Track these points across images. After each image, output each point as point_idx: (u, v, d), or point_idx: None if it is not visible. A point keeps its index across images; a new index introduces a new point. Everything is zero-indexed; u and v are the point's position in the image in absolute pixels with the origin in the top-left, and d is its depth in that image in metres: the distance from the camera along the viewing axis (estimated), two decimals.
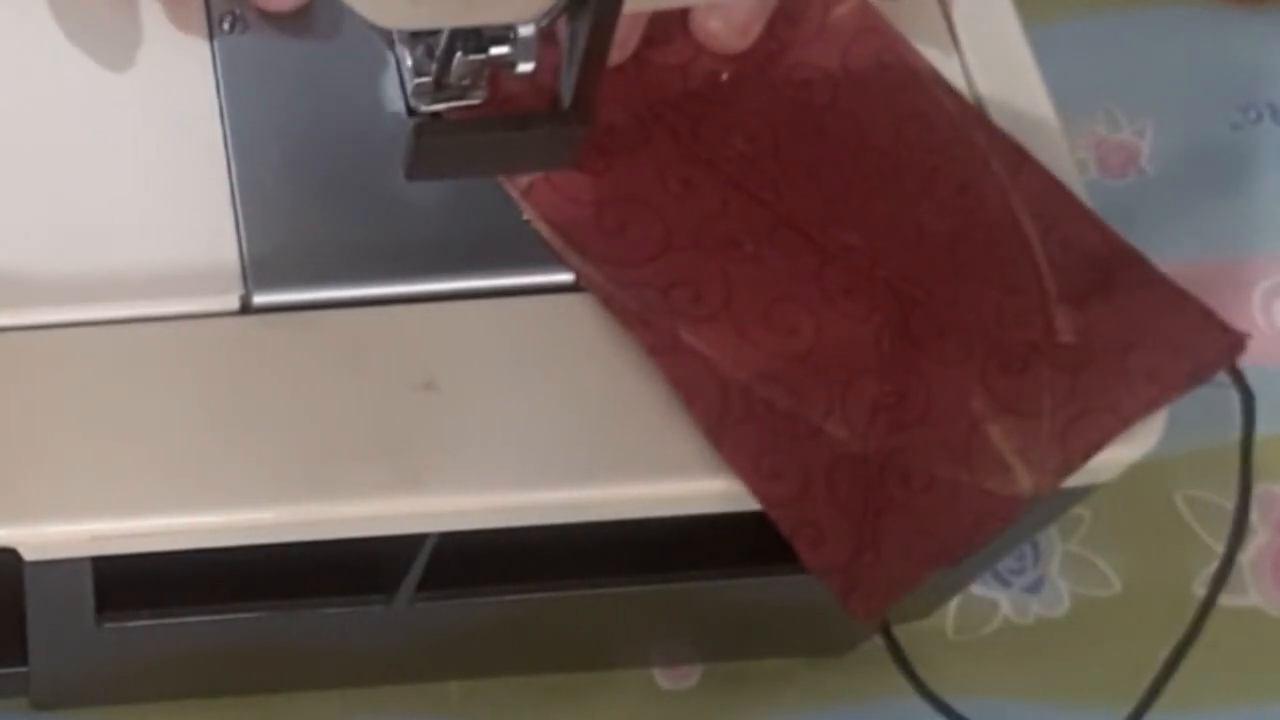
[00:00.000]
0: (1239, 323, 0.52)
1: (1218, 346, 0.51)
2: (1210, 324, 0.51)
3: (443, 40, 0.50)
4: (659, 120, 0.54)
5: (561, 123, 0.47)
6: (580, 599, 0.58)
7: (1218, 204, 0.73)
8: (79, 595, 0.54)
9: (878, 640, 0.60)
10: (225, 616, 0.57)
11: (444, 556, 0.53)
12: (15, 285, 0.51)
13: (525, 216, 0.52)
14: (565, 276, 0.52)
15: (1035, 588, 0.67)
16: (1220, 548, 0.67)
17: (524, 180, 0.52)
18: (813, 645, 0.65)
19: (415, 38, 0.51)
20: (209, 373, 0.50)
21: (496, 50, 0.49)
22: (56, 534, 0.48)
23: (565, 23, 0.46)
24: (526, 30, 0.49)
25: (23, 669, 0.60)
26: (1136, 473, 0.52)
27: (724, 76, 0.55)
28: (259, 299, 0.51)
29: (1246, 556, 0.64)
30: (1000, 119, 0.55)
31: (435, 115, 0.52)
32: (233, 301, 0.51)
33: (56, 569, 0.50)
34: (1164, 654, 0.54)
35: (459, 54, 0.50)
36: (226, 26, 0.55)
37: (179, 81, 0.54)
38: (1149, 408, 0.50)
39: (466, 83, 0.51)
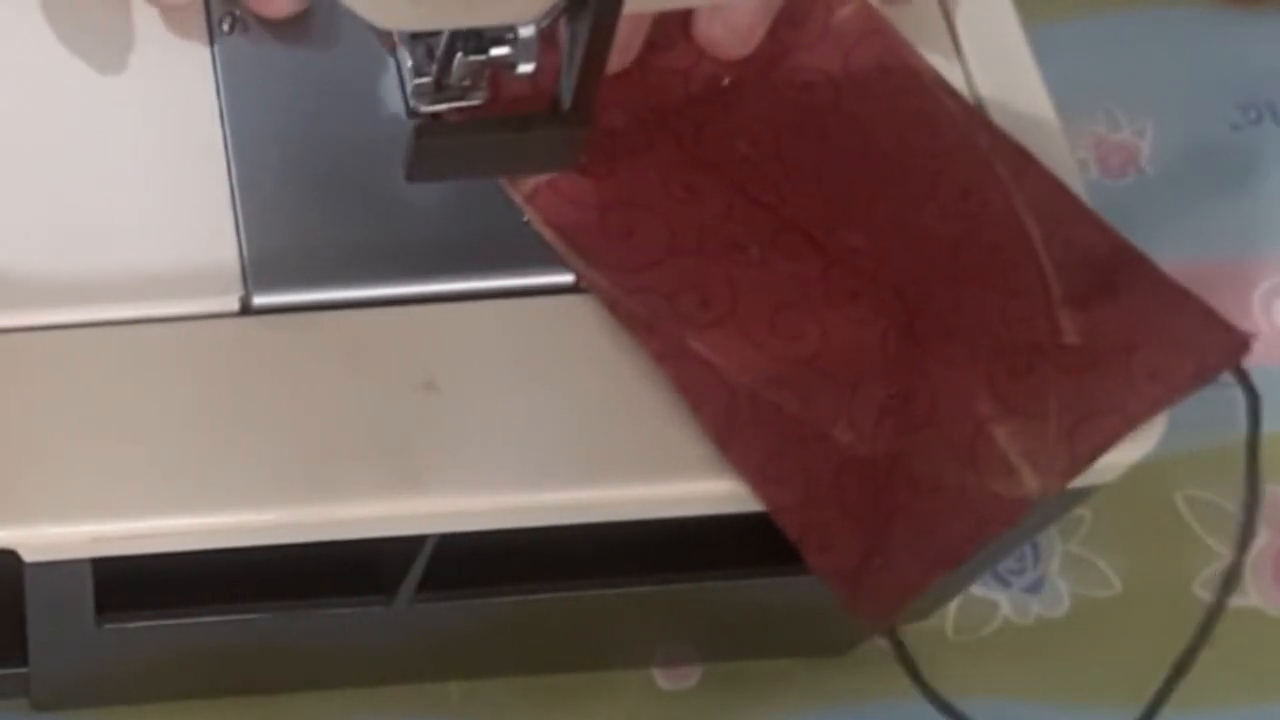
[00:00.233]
0: (1239, 323, 0.51)
1: (1223, 347, 0.51)
2: (1215, 324, 0.51)
3: (443, 41, 0.50)
4: (662, 125, 0.54)
5: (562, 124, 0.47)
6: (580, 599, 0.58)
7: (1218, 204, 0.73)
8: (79, 596, 0.54)
9: (878, 640, 0.60)
10: (225, 617, 0.57)
11: (444, 557, 0.53)
12: (15, 285, 0.51)
13: (525, 218, 0.52)
14: (566, 278, 0.52)
15: (1035, 588, 0.67)
16: (1220, 548, 0.67)
17: (527, 186, 0.52)
18: (813, 645, 0.65)
19: (415, 38, 0.51)
20: (209, 374, 0.50)
21: (497, 51, 0.49)
22: (56, 535, 0.48)
23: (565, 24, 0.46)
24: (527, 31, 0.49)
25: (23, 669, 0.60)
26: (1137, 473, 0.52)
27: (726, 81, 0.55)
28: (259, 300, 0.51)
29: (1247, 557, 0.64)
30: (1000, 119, 0.55)
31: (435, 116, 0.52)
32: (233, 302, 0.51)
33: (56, 570, 0.50)
34: (1165, 655, 0.54)
35: (459, 55, 0.50)
36: (226, 27, 0.55)
37: (178, 82, 0.54)
38: (1154, 409, 0.50)
39: (467, 84, 0.51)
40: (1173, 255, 0.53)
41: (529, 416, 0.50)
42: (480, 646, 0.62)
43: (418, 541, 0.52)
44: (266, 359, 0.50)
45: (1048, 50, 0.57)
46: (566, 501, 0.50)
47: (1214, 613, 0.53)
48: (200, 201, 0.52)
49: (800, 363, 0.50)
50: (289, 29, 0.55)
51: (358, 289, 0.52)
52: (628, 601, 0.58)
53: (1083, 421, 0.49)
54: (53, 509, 0.48)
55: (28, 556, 0.49)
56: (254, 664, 0.62)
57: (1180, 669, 0.53)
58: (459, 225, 0.53)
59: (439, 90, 0.51)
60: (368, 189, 0.53)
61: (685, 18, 0.55)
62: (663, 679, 0.65)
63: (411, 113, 0.52)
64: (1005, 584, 0.67)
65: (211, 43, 0.55)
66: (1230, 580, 0.53)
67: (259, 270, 0.51)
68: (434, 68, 0.51)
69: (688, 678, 0.66)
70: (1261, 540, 0.67)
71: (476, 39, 0.49)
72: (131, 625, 0.56)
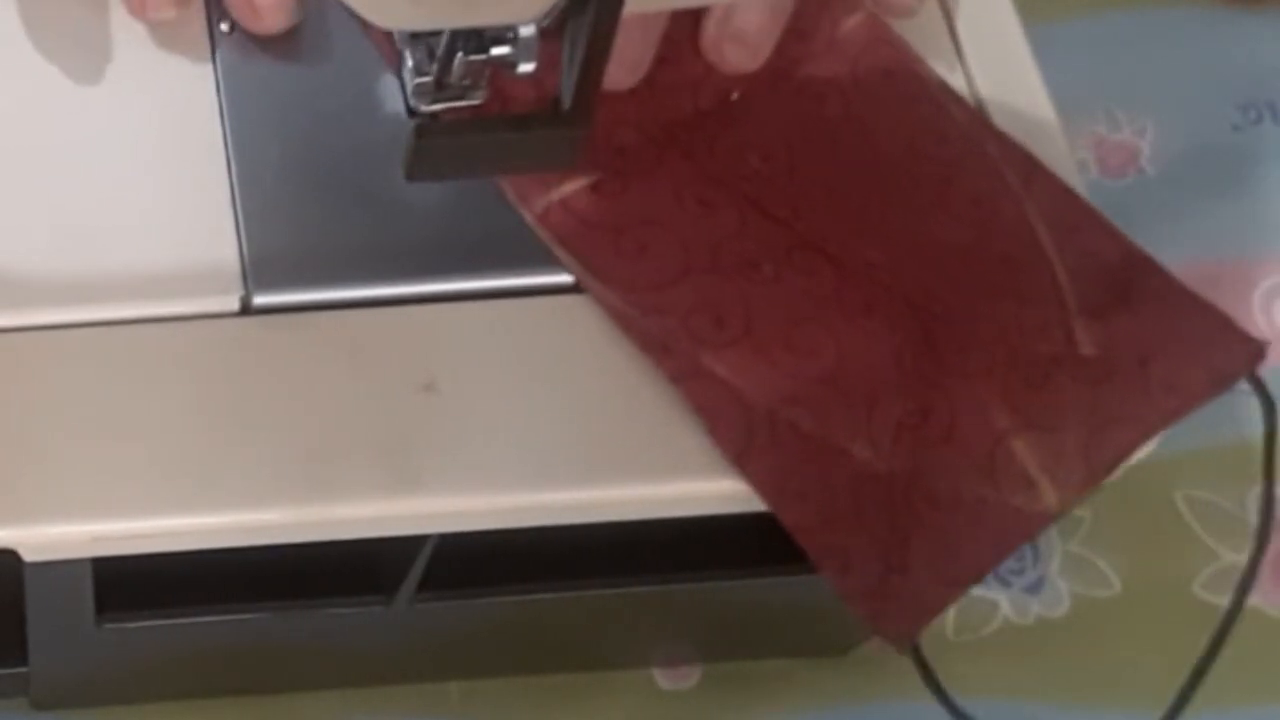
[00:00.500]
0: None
1: (1238, 354, 0.50)
2: (1229, 332, 0.50)
3: (443, 41, 0.50)
4: (673, 141, 0.53)
5: (562, 124, 0.47)
6: (580, 599, 0.58)
7: (1218, 204, 0.72)
8: (79, 596, 0.54)
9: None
10: (225, 617, 0.57)
11: (444, 557, 0.53)
12: (15, 285, 0.51)
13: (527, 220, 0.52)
14: (566, 277, 0.52)
15: (1035, 588, 0.67)
16: (1221, 548, 0.67)
17: (538, 206, 0.52)
18: (813, 645, 0.65)
19: (416, 38, 0.51)
20: (209, 373, 0.50)
21: (497, 51, 0.49)
22: (56, 535, 0.48)
23: (566, 24, 0.46)
24: (527, 31, 0.49)
25: (23, 669, 0.60)
26: (1137, 473, 0.52)
27: (735, 95, 0.54)
28: (259, 300, 0.51)
29: (1264, 559, 0.64)
30: (1001, 120, 0.55)
31: (435, 116, 0.52)
32: (233, 302, 0.51)
33: (56, 570, 0.50)
34: (1164, 655, 0.54)
35: (460, 54, 0.50)
36: (226, 27, 0.55)
37: (178, 82, 0.54)
38: (1170, 418, 0.50)
39: (467, 83, 0.51)
40: (1173, 255, 0.53)
41: (529, 417, 0.50)
42: (480, 646, 0.62)
43: (417, 542, 0.52)
44: (266, 359, 0.50)
45: (1048, 50, 0.57)
46: (566, 501, 0.50)
47: (1230, 617, 0.53)
48: (200, 201, 0.52)
49: (816, 380, 0.50)
50: (288, 30, 0.55)
51: (358, 289, 0.52)
52: (628, 601, 0.58)
53: (1100, 433, 0.49)
54: (53, 509, 0.48)
55: (28, 556, 0.49)
56: (254, 664, 0.62)
57: (1198, 674, 0.53)
58: (459, 225, 0.53)
59: (439, 90, 0.51)
60: (368, 189, 0.53)
61: (693, 33, 0.55)
62: (663, 679, 0.65)
63: (411, 112, 0.53)
64: (1005, 584, 0.67)
65: (212, 43, 0.55)
66: (1246, 584, 0.53)
67: (259, 270, 0.51)
68: (434, 67, 0.51)
69: (688, 678, 0.65)
70: None
71: (477, 39, 0.49)
72: (131, 625, 0.56)
